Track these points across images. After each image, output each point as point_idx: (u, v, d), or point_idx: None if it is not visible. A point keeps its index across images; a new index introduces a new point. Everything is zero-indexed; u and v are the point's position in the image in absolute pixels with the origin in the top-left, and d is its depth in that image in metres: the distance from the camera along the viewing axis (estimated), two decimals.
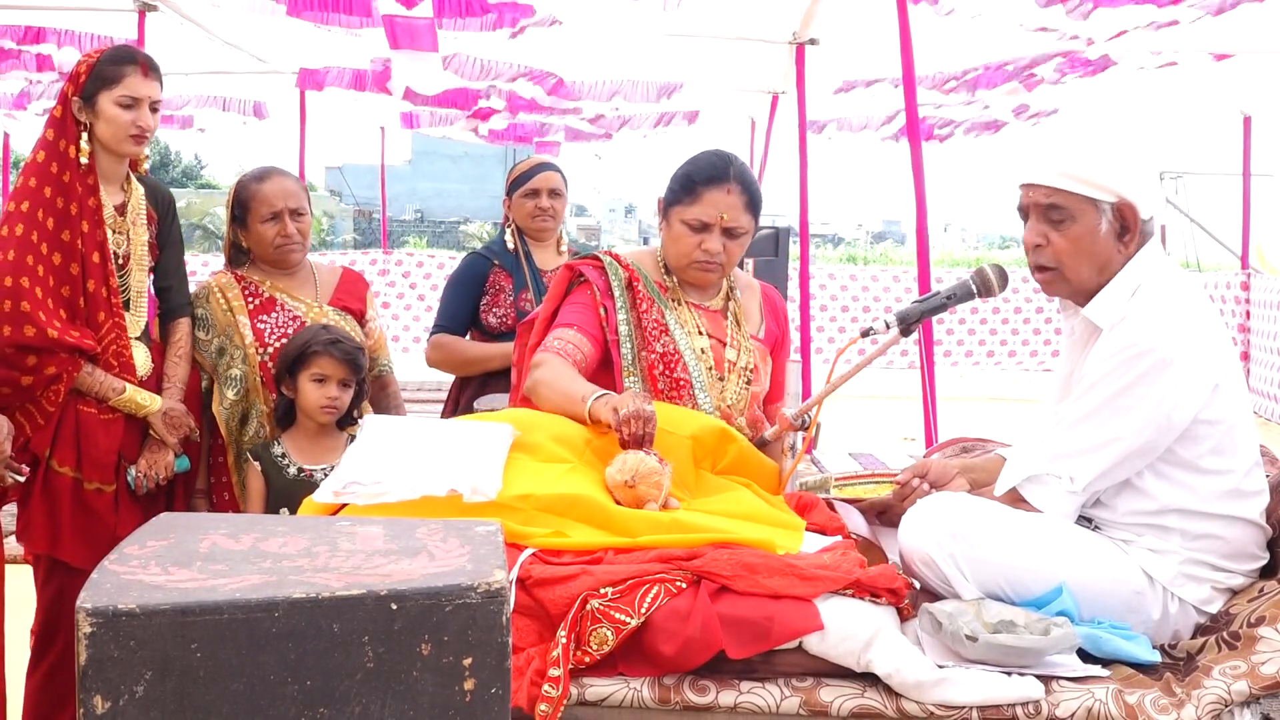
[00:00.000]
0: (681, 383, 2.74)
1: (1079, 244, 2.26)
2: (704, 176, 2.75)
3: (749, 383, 2.84)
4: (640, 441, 2.35)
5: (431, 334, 4.07)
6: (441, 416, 3.99)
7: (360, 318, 3.53)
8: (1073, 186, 2.24)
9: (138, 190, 3.23)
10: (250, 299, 3.40)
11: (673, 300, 2.84)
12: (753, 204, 2.79)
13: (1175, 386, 2.15)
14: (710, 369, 2.78)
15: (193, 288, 3.43)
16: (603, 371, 2.77)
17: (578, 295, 2.84)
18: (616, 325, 2.76)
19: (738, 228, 2.77)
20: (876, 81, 7.50)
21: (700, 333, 2.82)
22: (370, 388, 3.57)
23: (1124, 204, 2.24)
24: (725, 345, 2.85)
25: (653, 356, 2.75)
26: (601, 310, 2.78)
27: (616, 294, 2.79)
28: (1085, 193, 2.23)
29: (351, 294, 3.55)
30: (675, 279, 2.86)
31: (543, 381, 2.62)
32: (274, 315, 3.39)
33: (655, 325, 2.77)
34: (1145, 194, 2.26)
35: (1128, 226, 2.26)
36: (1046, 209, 2.28)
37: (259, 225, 3.38)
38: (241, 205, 3.41)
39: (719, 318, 2.89)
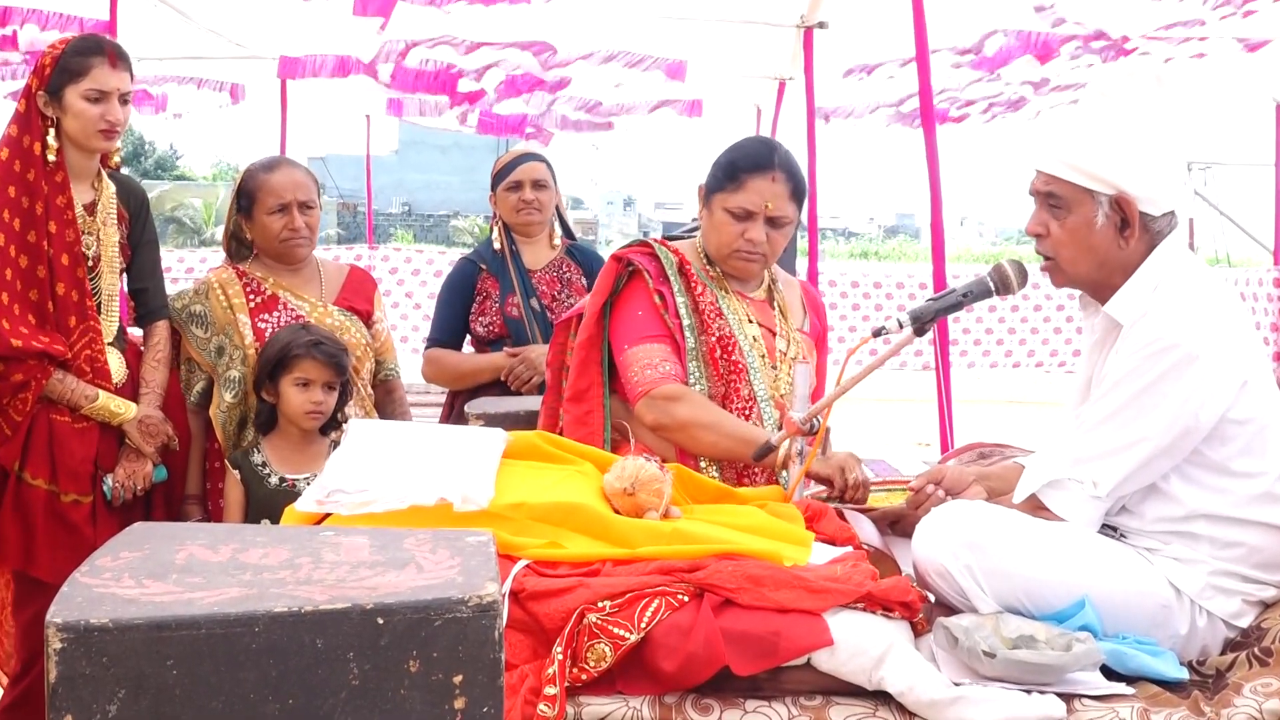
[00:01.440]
0: (739, 367, 2.81)
1: (1075, 235, 2.29)
2: (748, 164, 2.81)
3: None
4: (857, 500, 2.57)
5: (426, 348, 4.09)
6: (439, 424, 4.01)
7: (367, 319, 3.54)
8: (1069, 176, 2.26)
9: (108, 188, 3.22)
10: (251, 296, 3.40)
11: (719, 288, 2.90)
12: (797, 192, 2.85)
13: (1201, 383, 2.16)
14: (763, 357, 2.85)
15: (170, 287, 3.43)
16: None
17: (638, 295, 2.86)
18: (677, 309, 2.82)
19: (782, 217, 2.83)
20: (886, 64, 7.48)
21: (750, 321, 2.89)
22: (375, 393, 3.58)
23: (1122, 197, 2.25)
24: (775, 335, 2.92)
25: (712, 340, 2.82)
26: (657, 298, 2.81)
27: (672, 278, 2.84)
28: (1082, 183, 2.25)
29: (358, 294, 3.56)
30: (718, 269, 2.91)
31: (698, 424, 2.70)
32: (276, 314, 3.39)
33: (711, 308, 2.84)
34: (1152, 189, 2.26)
35: (1127, 221, 2.26)
36: (1046, 196, 2.31)
37: (265, 217, 3.39)
38: (248, 195, 3.42)
39: (766, 307, 2.96)
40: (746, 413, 2.80)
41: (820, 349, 3.07)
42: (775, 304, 2.99)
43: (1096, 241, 2.28)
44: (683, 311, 2.82)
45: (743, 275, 2.93)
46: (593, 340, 2.87)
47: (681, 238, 3.11)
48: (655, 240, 2.95)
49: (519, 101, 8.98)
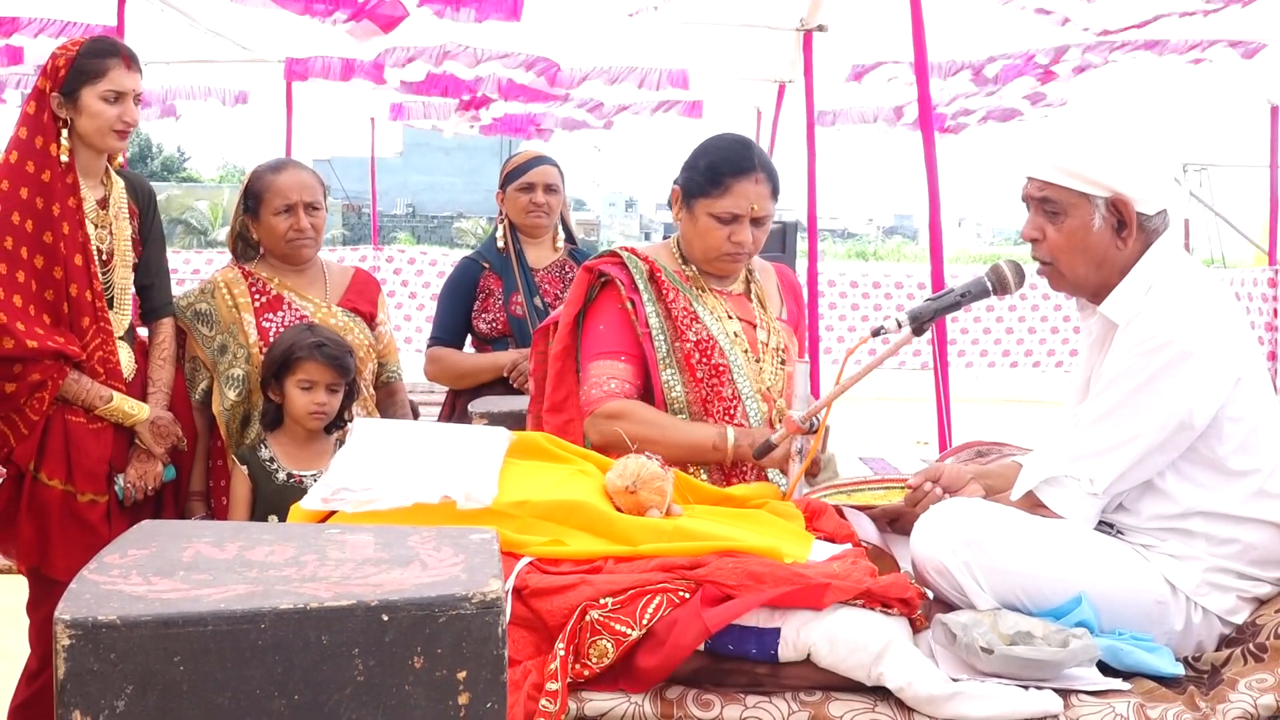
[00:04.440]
0: (720, 368, 2.78)
1: (1073, 239, 2.28)
2: (731, 168, 2.78)
3: (783, 363, 2.90)
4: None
5: (428, 346, 4.09)
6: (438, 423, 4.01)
7: (370, 320, 3.54)
8: (1064, 180, 2.26)
9: (118, 183, 3.23)
10: (257, 296, 3.41)
11: (696, 288, 2.88)
12: (776, 189, 2.84)
13: (1196, 379, 2.16)
14: (746, 352, 2.83)
15: (175, 288, 3.44)
16: (645, 380, 2.82)
17: (606, 306, 2.85)
18: (646, 319, 2.80)
19: (766, 216, 2.82)
20: (886, 64, 7.49)
21: (730, 317, 2.87)
22: (377, 395, 3.58)
23: (1118, 199, 2.25)
24: (755, 327, 2.90)
25: (688, 345, 2.79)
26: (629, 304, 2.80)
27: (641, 287, 2.82)
28: (1077, 187, 2.26)
29: (363, 296, 3.57)
30: (695, 268, 2.89)
31: (642, 440, 2.63)
32: (280, 314, 3.40)
33: (685, 313, 2.81)
34: (1146, 188, 2.26)
35: (1124, 222, 2.26)
36: (1040, 202, 2.31)
37: (271, 217, 3.40)
38: (255, 196, 3.43)
39: (744, 301, 2.94)
40: (730, 412, 2.78)
41: (799, 333, 3.05)
42: (753, 295, 2.96)
43: (1094, 244, 2.28)
44: (652, 321, 2.79)
45: (727, 274, 2.91)
46: (568, 350, 2.87)
47: None
48: (625, 249, 2.92)
49: (520, 103, 9.00)
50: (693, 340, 2.79)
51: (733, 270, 2.90)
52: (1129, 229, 2.27)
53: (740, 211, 2.77)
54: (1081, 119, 2.29)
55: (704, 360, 2.79)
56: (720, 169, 2.79)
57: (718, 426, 2.73)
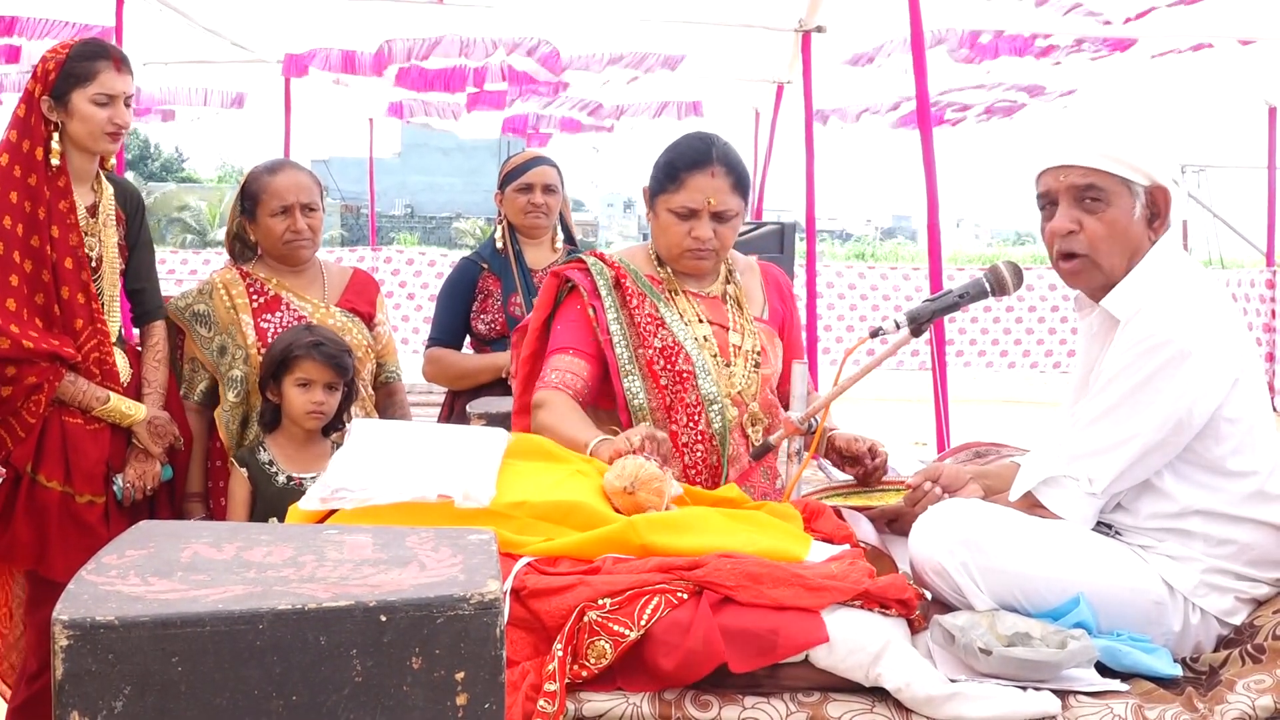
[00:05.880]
0: (684, 375, 2.77)
1: (1114, 228, 2.27)
2: (686, 162, 2.78)
3: (757, 366, 2.87)
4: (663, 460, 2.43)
5: (427, 347, 4.09)
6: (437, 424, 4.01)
7: (369, 320, 3.54)
8: (1111, 167, 2.25)
9: (107, 190, 3.22)
10: (255, 297, 3.41)
11: (667, 292, 2.87)
12: (739, 185, 2.82)
13: (1195, 379, 2.16)
14: (715, 356, 2.81)
15: (173, 287, 3.43)
16: (605, 380, 2.80)
17: (569, 307, 2.87)
18: (607, 325, 2.79)
19: (726, 211, 2.80)
20: (884, 49, 7.48)
21: (700, 320, 2.85)
22: (377, 395, 3.58)
23: (1157, 187, 2.26)
24: (728, 330, 2.88)
25: (650, 352, 2.78)
26: (590, 312, 2.80)
27: (604, 294, 2.81)
28: (1123, 174, 2.25)
29: (361, 296, 3.57)
30: (669, 270, 2.89)
31: (546, 426, 2.68)
32: (278, 315, 3.39)
33: (649, 320, 2.79)
34: (1175, 180, 2.29)
35: (1158, 212, 2.27)
36: (1082, 190, 2.28)
37: (268, 219, 3.39)
38: (251, 197, 3.43)
39: (718, 304, 2.92)
40: (694, 418, 2.76)
41: (786, 331, 3.03)
42: (729, 297, 2.94)
43: (1133, 233, 2.28)
44: (614, 328, 2.79)
45: (696, 273, 2.90)
46: (536, 355, 2.88)
47: None
48: (593, 254, 2.93)
49: (520, 103, 9.00)
50: (657, 347, 2.78)
51: (700, 269, 2.88)
52: (1161, 219, 2.28)
53: (696, 205, 2.77)
54: (1114, 109, 2.32)
55: (668, 367, 2.78)
56: (676, 164, 2.80)
57: (594, 433, 2.62)
